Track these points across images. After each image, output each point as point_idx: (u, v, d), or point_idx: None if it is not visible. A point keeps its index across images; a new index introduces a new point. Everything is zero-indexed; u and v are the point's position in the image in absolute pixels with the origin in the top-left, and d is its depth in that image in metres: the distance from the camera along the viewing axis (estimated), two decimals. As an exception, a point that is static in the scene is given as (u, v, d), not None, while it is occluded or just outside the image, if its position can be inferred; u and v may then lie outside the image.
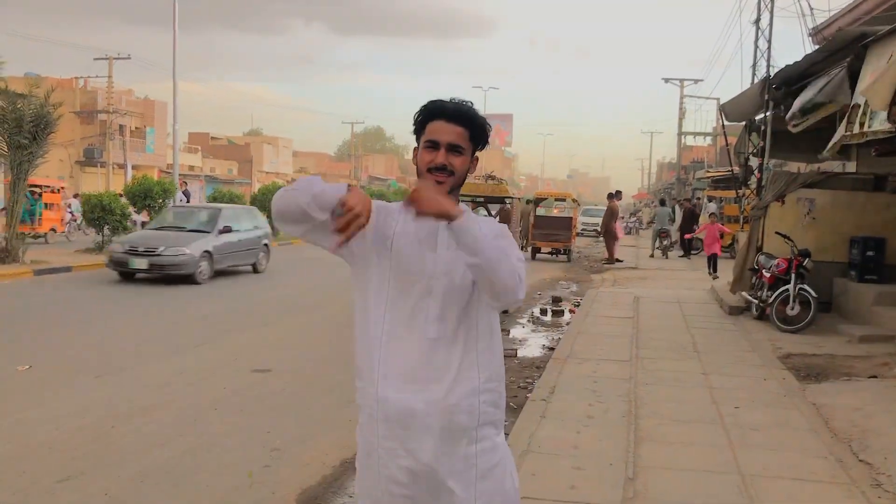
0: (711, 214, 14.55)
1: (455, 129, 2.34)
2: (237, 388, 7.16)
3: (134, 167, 44.54)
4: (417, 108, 2.43)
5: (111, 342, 9.13)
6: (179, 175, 25.75)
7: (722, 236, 18.43)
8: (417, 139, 2.41)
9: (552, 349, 9.24)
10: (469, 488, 2.36)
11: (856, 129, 8.27)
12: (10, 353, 8.33)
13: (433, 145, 2.34)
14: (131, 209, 20.63)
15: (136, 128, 50.08)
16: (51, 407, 6.39)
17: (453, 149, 2.33)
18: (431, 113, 2.38)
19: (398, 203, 2.45)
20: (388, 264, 2.35)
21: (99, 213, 18.79)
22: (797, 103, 9.82)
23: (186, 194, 24.32)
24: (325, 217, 2.19)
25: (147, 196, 20.27)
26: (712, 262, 18.06)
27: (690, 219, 25.35)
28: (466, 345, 2.37)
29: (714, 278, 16.80)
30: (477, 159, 2.44)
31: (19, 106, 16.09)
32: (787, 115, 9.89)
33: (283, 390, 7.21)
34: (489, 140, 2.48)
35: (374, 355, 2.37)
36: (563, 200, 25.75)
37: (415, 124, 2.42)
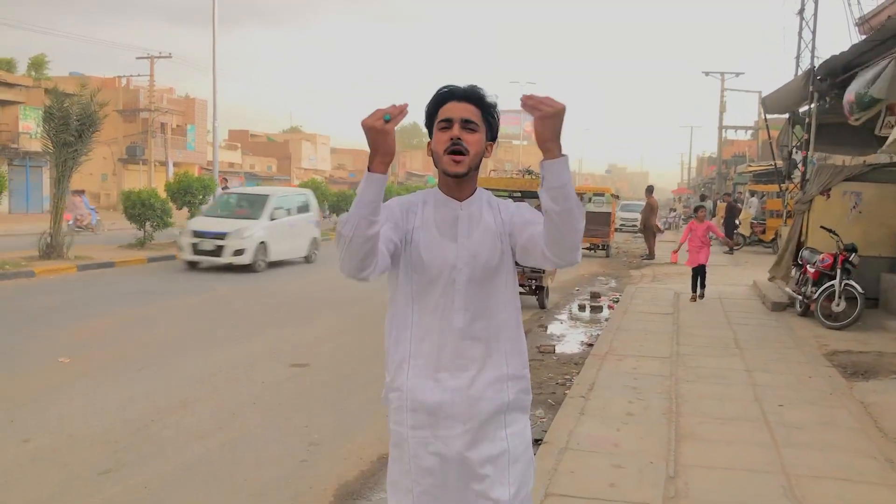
0: (698, 208, 13.02)
1: (467, 106, 2.34)
2: (276, 383, 7.20)
3: (175, 164, 45.16)
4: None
5: (153, 336, 9.23)
6: (219, 172, 25.99)
7: (713, 238, 12.75)
8: (430, 129, 2.39)
9: (591, 345, 9.15)
10: (503, 473, 2.38)
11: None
12: (53, 345, 8.46)
13: (447, 123, 2.34)
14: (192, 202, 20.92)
15: (177, 125, 50.76)
16: (92, 400, 6.48)
17: (466, 124, 2.32)
18: (442, 97, 2.39)
19: (416, 195, 2.48)
20: (410, 257, 2.38)
21: (140, 210, 19.04)
22: (851, 96, 9.55)
23: (226, 191, 24.51)
24: (378, 219, 2.16)
25: (187, 192, 20.50)
26: (699, 276, 12.44)
27: (731, 214, 24.96)
28: (492, 333, 2.41)
29: (697, 298, 12.41)
30: (492, 146, 2.42)
31: (66, 105, 16.35)
32: (846, 110, 9.59)
33: (321, 385, 7.23)
34: (499, 129, 2.45)
35: (401, 347, 2.43)
36: (602, 195, 25.52)
37: (427, 114, 2.41)
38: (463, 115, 2.32)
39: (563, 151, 2.11)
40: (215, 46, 25.21)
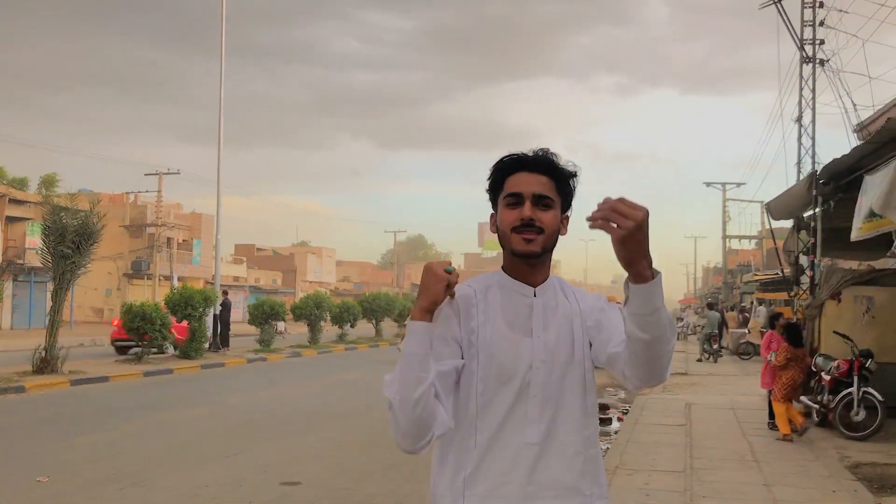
0: (777, 316, 10.96)
1: (539, 178, 1.98)
2: (264, 503, 6.75)
3: (180, 279, 45.25)
4: (493, 168, 2.06)
5: (140, 451, 8.82)
6: (221, 285, 25.90)
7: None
8: (494, 202, 2.05)
9: (600, 459, 8.68)
10: None
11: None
12: (33, 463, 8.03)
13: (516, 199, 1.97)
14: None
15: (183, 240, 51.25)
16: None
17: (540, 200, 1.97)
18: (509, 165, 2.02)
19: (476, 280, 2.09)
20: (477, 358, 1.95)
21: (139, 323, 18.79)
22: (861, 211, 9.39)
23: (226, 304, 24.32)
24: (427, 375, 1.84)
25: (188, 305, 20.31)
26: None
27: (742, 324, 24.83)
28: (574, 451, 1.96)
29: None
30: (567, 219, 2.05)
31: (62, 217, 16.40)
32: (853, 230, 9.38)
33: (311, 504, 6.77)
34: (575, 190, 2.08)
35: (459, 475, 1.95)
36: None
37: (490, 183, 2.06)
38: (535, 190, 1.97)
39: (654, 266, 1.75)
40: (220, 162, 25.58)
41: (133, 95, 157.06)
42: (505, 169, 2.03)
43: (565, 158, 2.04)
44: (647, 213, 1.69)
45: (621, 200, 1.69)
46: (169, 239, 48.58)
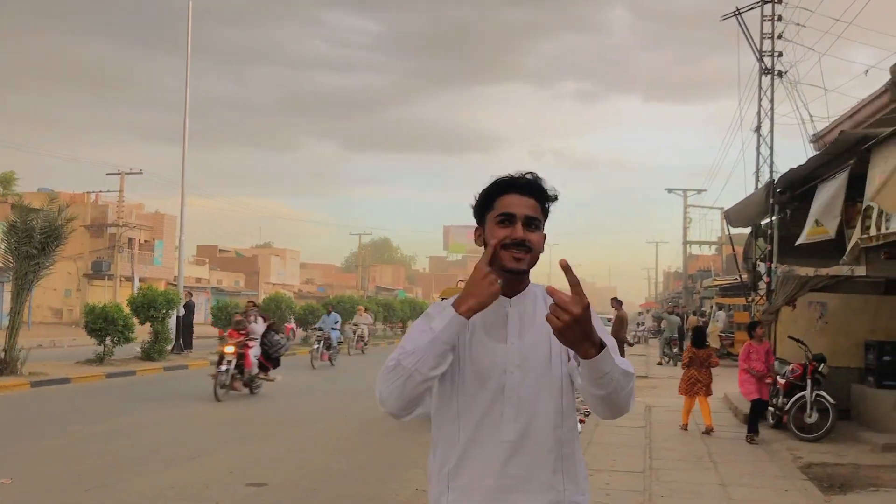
0: (755, 325, 10.74)
1: (528, 201, 2.16)
2: None
3: (141, 279, 44.74)
4: (483, 190, 2.22)
5: (105, 454, 8.78)
6: (185, 287, 25.71)
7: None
8: (481, 217, 2.21)
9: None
10: None
11: (872, 231, 8.18)
12: (-4, 466, 7.99)
13: (507, 218, 2.13)
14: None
15: (145, 241, 50.65)
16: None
17: (531, 222, 2.14)
18: (501, 187, 2.19)
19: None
20: (458, 362, 2.12)
21: (101, 325, 18.61)
22: (810, 218, 9.80)
23: (189, 306, 24.16)
24: (445, 363, 2.02)
25: (151, 307, 20.16)
26: (760, 412, 10.20)
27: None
28: (548, 448, 2.12)
29: (754, 438, 9.83)
30: (545, 236, 2.22)
31: (31, 219, 16.22)
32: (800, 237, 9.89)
33: (278, 505, 6.84)
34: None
35: (445, 466, 2.14)
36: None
37: (480, 200, 2.22)
38: (527, 213, 2.14)
39: (600, 338, 1.93)
40: (185, 163, 25.40)
41: (95, 94, 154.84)
42: (498, 189, 2.19)
43: (549, 184, 2.22)
44: (586, 308, 1.86)
45: (563, 297, 1.87)
46: (130, 239, 48.00)
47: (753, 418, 10.03)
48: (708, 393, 10.75)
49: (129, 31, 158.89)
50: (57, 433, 10.16)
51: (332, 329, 22.26)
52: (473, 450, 2.10)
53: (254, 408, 13.09)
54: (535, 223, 2.15)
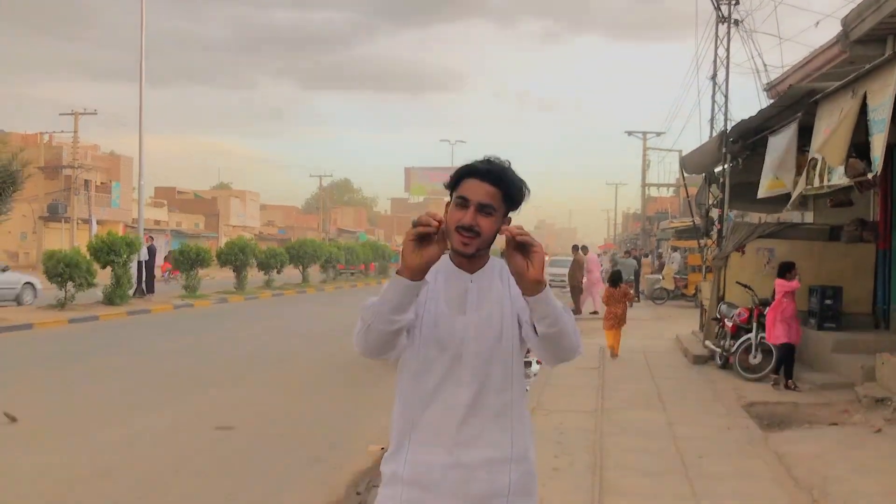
0: (789, 266, 10.00)
1: (487, 188, 2.30)
2: (199, 448, 7.04)
3: (99, 222, 44.10)
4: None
5: (71, 401, 8.95)
6: (145, 230, 25.54)
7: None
8: (451, 193, 2.38)
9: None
10: None
11: (816, 183, 8.53)
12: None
13: (463, 202, 2.30)
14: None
15: (101, 183, 49.79)
16: (3, 470, 6.23)
17: (483, 208, 2.29)
18: (466, 171, 2.35)
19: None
20: (419, 330, 2.35)
21: (63, 270, 18.52)
22: (767, 171, 10.13)
23: (151, 250, 24.03)
24: (411, 315, 2.25)
25: (111, 251, 20.06)
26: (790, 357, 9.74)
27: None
28: (498, 411, 2.37)
29: (791, 383, 9.58)
30: (510, 220, 2.38)
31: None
32: (760, 188, 10.29)
33: (246, 449, 7.10)
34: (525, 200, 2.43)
35: (405, 420, 2.39)
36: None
37: (451, 181, 2.39)
38: (481, 199, 2.28)
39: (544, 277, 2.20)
40: (142, 103, 25.01)
41: (45, 32, 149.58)
42: (463, 173, 2.37)
43: (518, 179, 2.38)
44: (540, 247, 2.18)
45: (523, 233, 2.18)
46: (86, 181, 47.11)
47: (788, 364, 9.70)
48: (622, 323, 12.50)
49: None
50: (20, 379, 10.28)
51: None
52: (433, 409, 2.35)
53: (220, 351, 13.27)
54: (487, 209, 2.29)
